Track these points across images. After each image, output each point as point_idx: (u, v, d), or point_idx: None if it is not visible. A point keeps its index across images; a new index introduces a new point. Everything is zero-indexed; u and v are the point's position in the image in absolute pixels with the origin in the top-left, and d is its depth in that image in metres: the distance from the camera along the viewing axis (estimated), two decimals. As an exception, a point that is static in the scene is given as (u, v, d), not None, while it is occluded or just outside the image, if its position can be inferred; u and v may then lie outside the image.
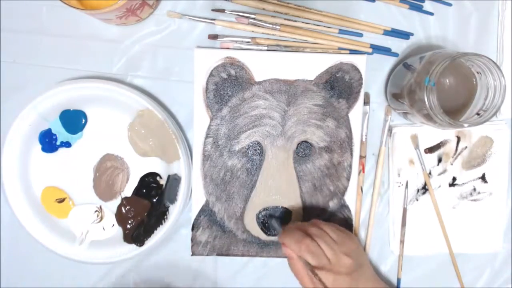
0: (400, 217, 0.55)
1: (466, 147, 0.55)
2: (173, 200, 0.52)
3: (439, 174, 0.55)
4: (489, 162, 0.55)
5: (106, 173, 0.53)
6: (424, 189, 0.55)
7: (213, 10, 0.52)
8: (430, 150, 0.55)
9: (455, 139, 0.55)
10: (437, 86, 0.43)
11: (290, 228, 0.49)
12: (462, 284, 0.56)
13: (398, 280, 0.56)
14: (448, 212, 0.55)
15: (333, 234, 0.48)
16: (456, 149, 0.55)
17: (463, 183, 0.55)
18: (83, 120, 0.53)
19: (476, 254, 0.56)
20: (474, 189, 0.55)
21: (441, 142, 0.55)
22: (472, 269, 0.56)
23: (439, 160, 0.55)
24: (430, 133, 0.54)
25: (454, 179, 0.55)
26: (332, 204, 0.54)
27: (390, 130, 0.54)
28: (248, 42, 0.52)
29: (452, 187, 0.55)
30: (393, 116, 0.55)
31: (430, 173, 0.55)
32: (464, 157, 0.55)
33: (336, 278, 0.45)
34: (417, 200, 0.55)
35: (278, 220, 0.52)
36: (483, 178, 0.55)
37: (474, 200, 0.55)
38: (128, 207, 0.53)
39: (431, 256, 0.56)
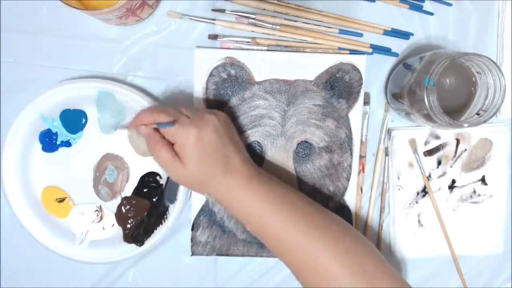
0: (400, 219, 0.55)
1: (466, 149, 0.55)
2: (173, 200, 0.52)
3: (439, 177, 0.55)
4: (489, 164, 0.55)
5: (106, 172, 0.53)
6: (424, 192, 0.55)
7: (213, 10, 0.52)
8: (430, 152, 0.55)
9: (455, 142, 0.55)
10: (437, 86, 0.43)
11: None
12: (465, 284, 0.56)
13: None
14: (449, 215, 0.55)
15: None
16: (456, 152, 0.55)
17: (463, 186, 0.55)
18: (83, 120, 0.53)
19: (476, 256, 0.56)
20: (474, 192, 0.55)
21: (441, 144, 0.55)
22: (472, 269, 0.56)
23: (439, 163, 0.55)
24: (430, 135, 0.54)
25: (453, 181, 0.55)
26: (332, 204, 0.53)
27: (389, 132, 0.54)
28: (248, 42, 0.52)
29: (452, 190, 0.55)
30: (394, 117, 0.55)
31: (429, 175, 0.55)
32: (463, 159, 0.55)
33: (200, 130, 0.42)
34: (417, 203, 0.55)
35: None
36: (483, 180, 0.55)
37: (474, 202, 0.55)
38: (128, 207, 0.53)
39: (432, 259, 0.56)
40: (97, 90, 0.51)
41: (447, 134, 0.54)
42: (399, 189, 0.55)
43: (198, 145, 0.42)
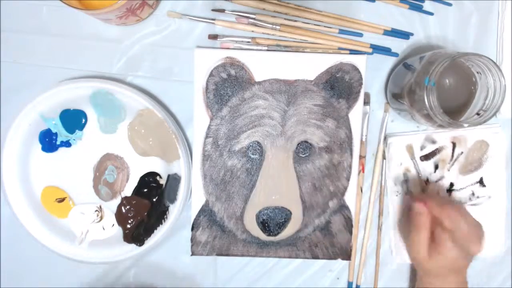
0: (399, 223, 0.55)
1: (462, 152, 0.54)
2: (173, 199, 0.52)
3: (437, 181, 0.55)
4: (486, 166, 0.55)
5: (106, 172, 0.53)
6: (422, 196, 0.55)
7: (213, 10, 0.52)
8: (426, 157, 0.54)
9: (451, 145, 0.54)
10: (437, 86, 0.43)
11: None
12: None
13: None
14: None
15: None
16: (452, 155, 0.55)
17: (461, 188, 0.55)
18: (83, 120, 0.53)
19: (477, 257, 0.56)
20: (473, 194, 0.55)
21: (437, 149, 0.54)
22: (471, 270, 0.56)
23: (436, 167, 0.55)
24: (426, 140, 0.54)
25: (452, 184, 0.55)
26: (332, 204, 0.54)
27: (385, 139, 0.54)
28: (248, 42, 0.52)
29: (450, 193, 0.55)
30: (394, 117, 0.55)
31: (427, 180, 0.55)
32: (460, 162, 0.55)
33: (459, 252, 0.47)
34: None
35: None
36: (481, 182, 0.55)
37: (474, 204, 0.55)
38: (128, 207, 0.53)
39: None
40: (95, 90, 0.51)
41: (443, 138, 0.54)
42: (396, 195, 0.55)
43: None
